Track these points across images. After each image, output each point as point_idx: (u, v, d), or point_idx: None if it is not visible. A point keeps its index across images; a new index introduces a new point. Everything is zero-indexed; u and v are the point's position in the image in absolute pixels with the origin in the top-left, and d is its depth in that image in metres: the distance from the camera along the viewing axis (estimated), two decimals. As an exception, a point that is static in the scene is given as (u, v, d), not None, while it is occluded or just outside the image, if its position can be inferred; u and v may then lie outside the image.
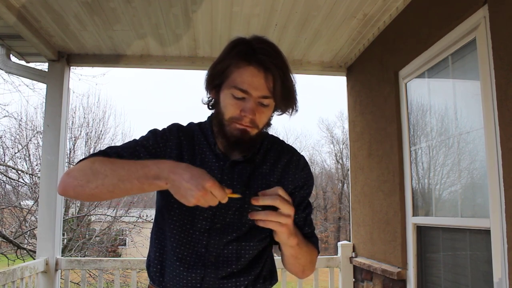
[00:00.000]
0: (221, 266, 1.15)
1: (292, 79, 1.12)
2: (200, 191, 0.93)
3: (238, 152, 1.15)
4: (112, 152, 1.12)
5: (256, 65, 1.07)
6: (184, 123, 1.26)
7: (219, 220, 1.15)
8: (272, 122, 1.19)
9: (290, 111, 1.16)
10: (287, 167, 1.20)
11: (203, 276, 1.14)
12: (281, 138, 1.28)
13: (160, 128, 1.23)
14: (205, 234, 1.15)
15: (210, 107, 1.20)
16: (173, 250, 1.16)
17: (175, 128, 1.22)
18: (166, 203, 1.18)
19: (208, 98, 1.19)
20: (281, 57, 1.11)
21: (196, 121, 1.27)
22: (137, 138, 1.20)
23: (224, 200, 0.96)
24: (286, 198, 1.01)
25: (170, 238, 1.17)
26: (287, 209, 1.00)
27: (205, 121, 1.25)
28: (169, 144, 1.18)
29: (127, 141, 1.19)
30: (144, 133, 1.23)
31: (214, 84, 1.14)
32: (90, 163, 1.05)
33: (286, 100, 1.12)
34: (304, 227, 1.20)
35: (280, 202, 0.99)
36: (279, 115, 1.18)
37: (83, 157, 1.12)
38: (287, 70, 1.11)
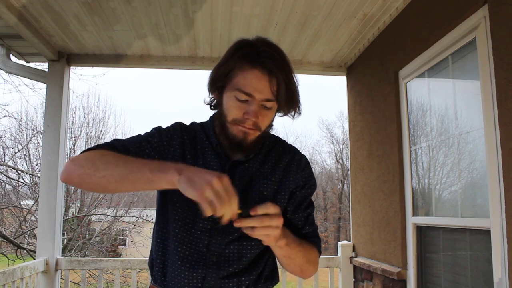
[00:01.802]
0: (222, 266, 1.15)
1: (296, 82, 1.12)
2: (216, 177, 0.91)
3: (240, 153, 1.15)
4: (119, 145, 1.12)
5: (260, 68, 1.07)
6: (186, 123, 1.27)
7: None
8: (274, 123, 1.18)
9: (293, 113, 1.16)
10: (288, 167, 1.21)
11: (204, 275, 1.15)
12: (279, 137, 1.28)
13: (164, 126, 1.23)
14: (207, 233, 1.15)
15: (212, 108, 1.20)
16: (175, 250, 1.17)
17: (178, 127, 1.22)
18: (169, 203, 1.18)
19: (211, 98, 1.19)
20: (285, 60, 1.11)
21: (197, 121, 1.28)
22: (142, 133, 1.20)
23: (233, 199, 0.93)
24: (274, 213, 1.00)
25: (172, 237, 1.18)
26: (275, 222, 1.00)
27: (207, 121, 1.25)
28: (173, 143, 1.18)
29: (132, 135, 1.19)
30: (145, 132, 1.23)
31: (217, 86, 1.14)
32: (100, 154, 1.05)
33: (289, 103, 1.12)
34: (305, 227, 1.20)
35: (264, 222, 0.99)
36: (280, 116, 1.18)
37: (88, 148, 1.11)
38: (291, 73, 1.11)
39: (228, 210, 0.92)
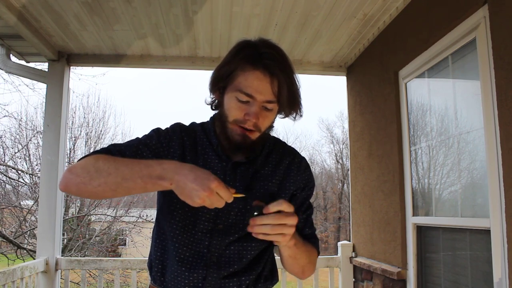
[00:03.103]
0: (223, 266, 1.15)
1: (297, 83, 1.13)
2: (206, 191, 0.93)
3: (241, 154, 1.15)
4: (115, 150, 1.11)
5: (262, 69, 1.07)
6: (185, 123, 1.26)
7: (222, 221, 1.15)
8: (274, 124, 1.19)
9: (294, 115, 1.16)
10: (289, 169, 1.21)
11: (205, 276, 1.15)
12: (281, 138, 1.28)
13: (163, 128, 1.23)
14: (208, 234, 1.15)
15: (213, 108, 1.20)
16: (175, 251, 1.16)
17: (178, 128, 1.22)
18: (169, 204, 1.18)
19: (212, 98, 1.19)
20: (287, 62, 1.11)
21: (197, 121, 1.27)
22: (140, 136, 1.20)
23: (230, 200, 0.96)
24: (290, 210, 1.00)
25: (172, 238, 1.17)
26: (291, 221, 0.99)
27: (208, 121, 1.25)
28: (172, 144, 1.18)
29: (130, 139, 1.18)
30: (144, 133, 1.22)
31: (218, 86, 1.14)
32: (93, 160, 1.05)
33: (291, 105, 1.12)
34: (305, 228, 1.21)
35: (280, 220, 0.98)
36: (282, 118, 1.18)
37: (84, 155, 1.11)
38: (292, 75, 1.11)
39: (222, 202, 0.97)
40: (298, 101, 1.13)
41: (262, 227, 0.98)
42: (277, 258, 1.31)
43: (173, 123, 1.25)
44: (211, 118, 1.24)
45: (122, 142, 1.17)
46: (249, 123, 1.08)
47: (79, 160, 1.09)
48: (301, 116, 1.17)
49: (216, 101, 1.18)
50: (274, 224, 0.97)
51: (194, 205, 0.95)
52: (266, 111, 1.10)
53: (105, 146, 1.15)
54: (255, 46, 1.11)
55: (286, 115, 1.16)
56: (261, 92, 1.07)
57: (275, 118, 1.16)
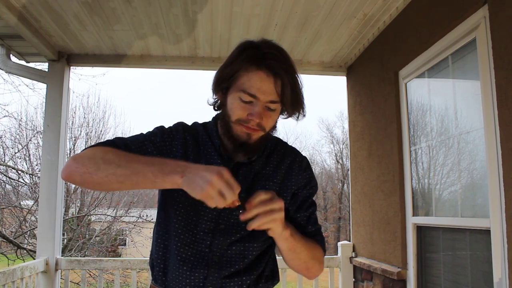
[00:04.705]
0: (224, 266, 1.16)
1: (300, 83, 1.13)
2: (216, 175, 0.92)
3: (243, 154, 1.15)
4: (121, 144, 1.11)
5: (265, 70, 1.07)
6: (187, 123, 1.26)
7: (224, 221, 1.15)
8: (277, 125, 1.18)
9: (297, 115, 1.16)
10: (290, 168, 1.21)
11: (206, 275, 1.15)
12: (281, 138, 1.29)
13: (166, 126, 1.23)
14: (209, 234, 1.15)
15: (216, 108, 1.20)
16: (177, 250, 1.17)
17: (181, 127, 1.22)
18: (171, 204, 1.18)
19: (214, 99, 1.19)
20: (290, 62, 1.12)
21: (198, 121, 1.27)
22: (144, 132, 1.20)
23: (236, 192, 0.94)
24: (270, 197, 0.99)
25: (174, 238, 1.17)
26: (277, 204, 0.99)
27: (210, 121, 1.25)
28: (175, 143, 1.18)
29: (134, 134, 1.18)
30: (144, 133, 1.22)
31: (221, 87, 1.14)
32: (102, 153, 1.04)
33: (294, 105, 1.12)
34: (308, 226, 1.21)
35: (266, 206, 0.98)
36: (285, 118, 1.18)
37: (89, 146, 1.10)
38: (295, 75, 1.11)
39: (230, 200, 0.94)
40: (301, 101, 1.13)
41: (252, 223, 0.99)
42: (278, 258, 1.31)
43: (175, 122, 1.25)
44: (213, 118, 1.24)
45: (126, 137, 1.16)
46: (252, 122, 1.09)
47: (84, 150, 1.08)
48: (304, 116, 1.17)
49: (219, 101, 1.18)
50: (263, 213, 0.98)
51: (201, 193, 0.92)
52: (269, 111, 1.10)
53: (110, 139, 1.14)
54: (258, 47, 1.11)
55: (289, 115, 1.16)
56: (265, 92, 1.07)
57: (278, 118, 1.16)
